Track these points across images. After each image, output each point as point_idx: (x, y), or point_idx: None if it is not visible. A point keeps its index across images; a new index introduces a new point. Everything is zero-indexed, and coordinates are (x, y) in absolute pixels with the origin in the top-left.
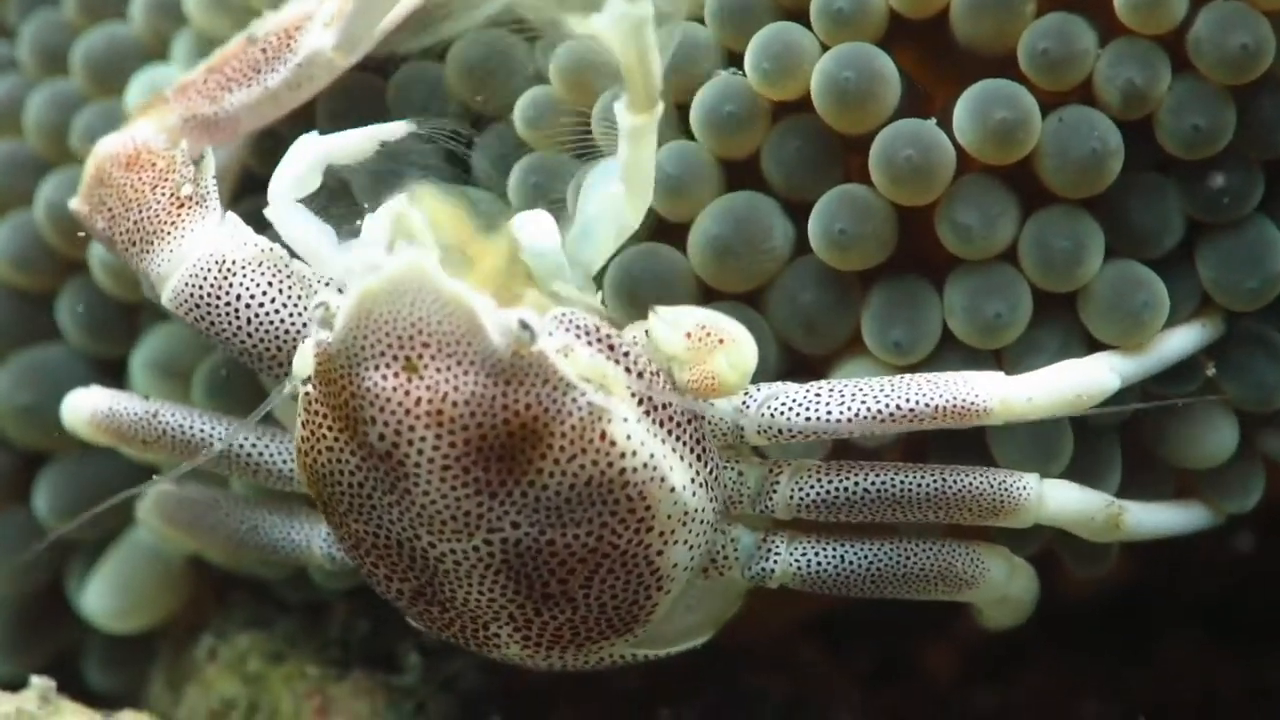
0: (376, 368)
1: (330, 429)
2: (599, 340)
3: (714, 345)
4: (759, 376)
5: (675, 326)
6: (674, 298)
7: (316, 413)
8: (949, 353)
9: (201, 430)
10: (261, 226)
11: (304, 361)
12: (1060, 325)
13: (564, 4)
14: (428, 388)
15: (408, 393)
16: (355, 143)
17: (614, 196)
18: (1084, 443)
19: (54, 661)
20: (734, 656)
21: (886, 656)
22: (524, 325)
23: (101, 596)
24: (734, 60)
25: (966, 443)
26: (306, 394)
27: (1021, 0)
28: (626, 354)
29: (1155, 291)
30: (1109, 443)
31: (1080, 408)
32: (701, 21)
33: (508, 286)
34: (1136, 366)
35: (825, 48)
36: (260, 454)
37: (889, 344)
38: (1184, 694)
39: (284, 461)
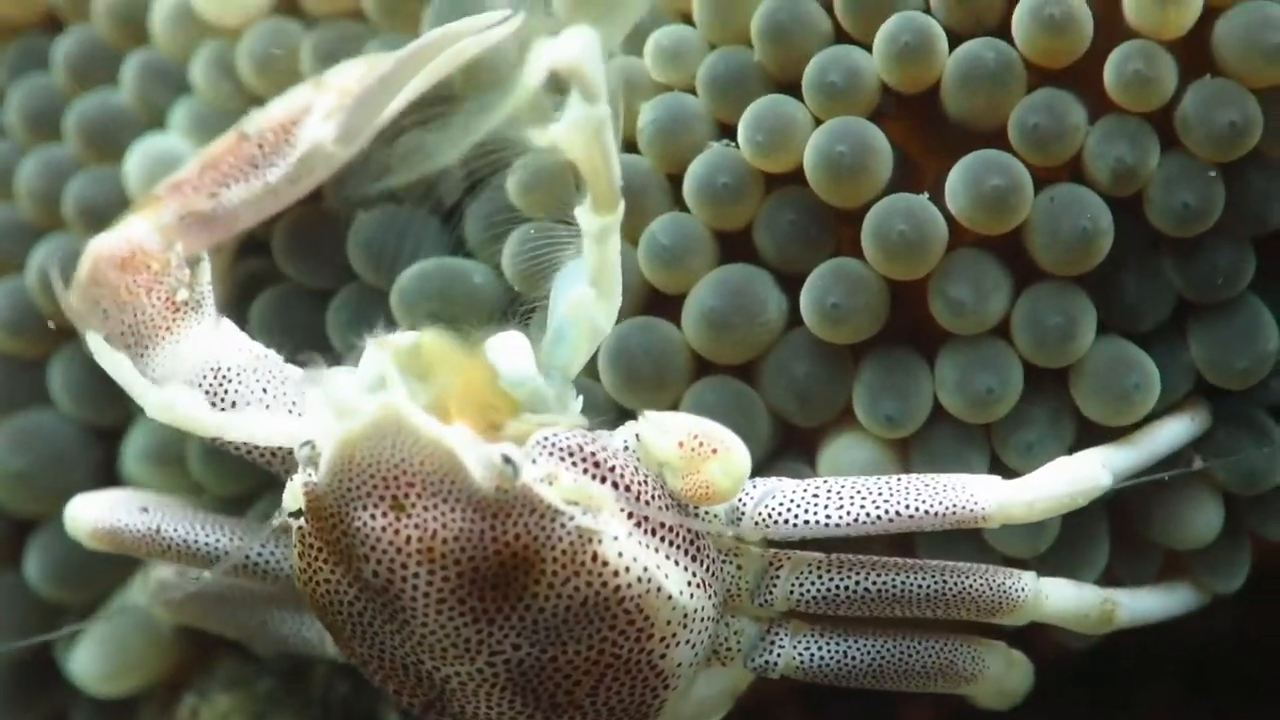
0: (365, 508)
1: (326, 563)
2: (583, 460)
3: (707, 455)
4: (751, 448)
5: (666, 433)
6: (669, 371)
7: (311, 546)
8: (940, 426)
9: (206, 542)
10: (260, 287)
11: (293, 497)
12: (1051, 400)
13: (519, 120)
14: (416, 526)
15: (398, 532)
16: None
17: (583, 299)
18: (1071, 522)
19: None
20: None
21: (866, 713)
22: (506, 460)
23: (90, 660)
24: (725, 131)
25: None
26: (300, 528)
27: (1012, 76)
28: (613, 469)
29: (1147, 373)
30: (1096, 522)
31: (1074, 507)
32: (694, 92)
33: (490, 415)
34: (1128, 461)
35: (818, 121)
36: (267, 561)
37: (880, 417)
38: None
39: (290, 566)
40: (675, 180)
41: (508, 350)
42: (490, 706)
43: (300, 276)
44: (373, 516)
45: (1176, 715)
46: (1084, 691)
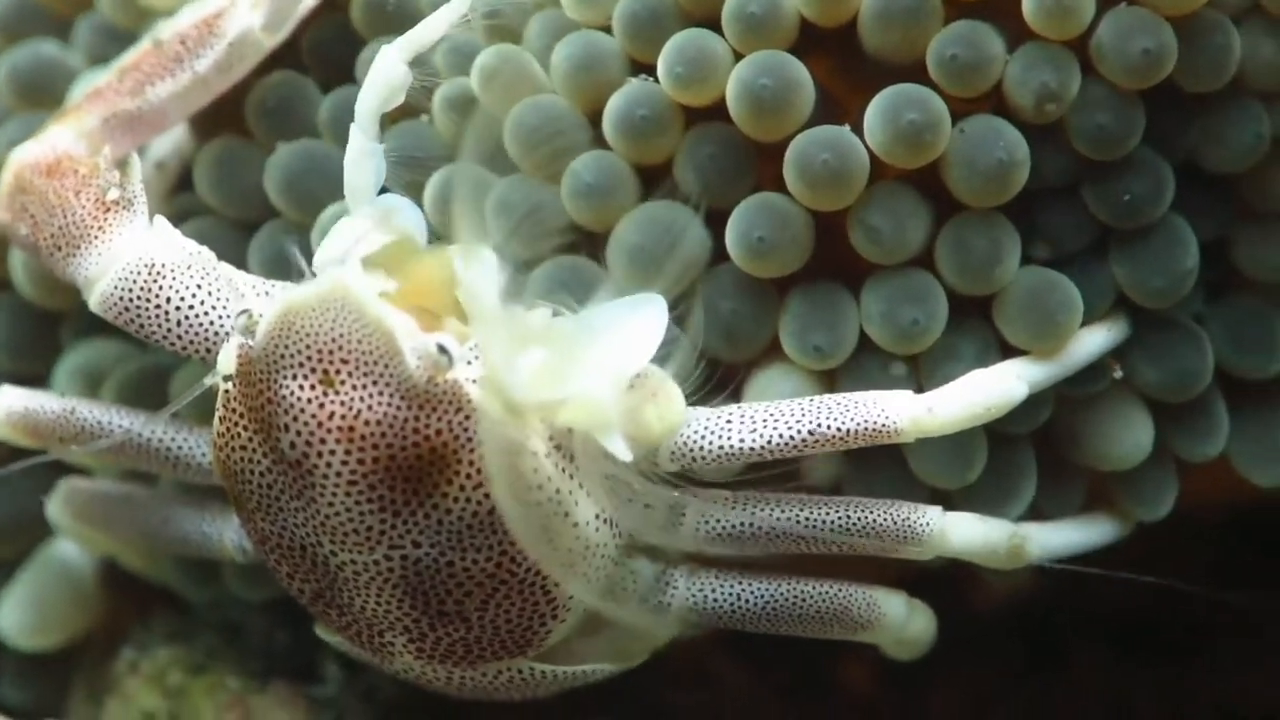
0: (294, 377)
1: (245, 429)
2: None
3: (646, 397)
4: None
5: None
6: None
7: (234, 410)
8: (867, 358)
9: (119, 425)
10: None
11: (227, 359)
12: (978, 332)
13: None
14: (342, 403)
15: (322, 405)
16: (434, 28)
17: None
18: (998, 448)
19: None
20: (651, 671)
21: (805, 669)
22: (442, 350)
23: (14, 613)
24: (641, 70)
25: (883, 451)
26: (226, 391)
27: (928, 9)
28: None
29: (1069, 293)
30: (1023, 449)
31: (990, 419)
32: (609, 31)
33: (432, 309)
34: (1045, 373)
35: (738, 56)
36: (179, 447)
37: (809, 348)
38: (1096, 706)
39: (203, 455)
40: (595, 122)
41: (480, 292)
42: (379, 604)
43: (223, 209)
44: (300, 387)
45: (1111, 671)
46: (1020, 646)
